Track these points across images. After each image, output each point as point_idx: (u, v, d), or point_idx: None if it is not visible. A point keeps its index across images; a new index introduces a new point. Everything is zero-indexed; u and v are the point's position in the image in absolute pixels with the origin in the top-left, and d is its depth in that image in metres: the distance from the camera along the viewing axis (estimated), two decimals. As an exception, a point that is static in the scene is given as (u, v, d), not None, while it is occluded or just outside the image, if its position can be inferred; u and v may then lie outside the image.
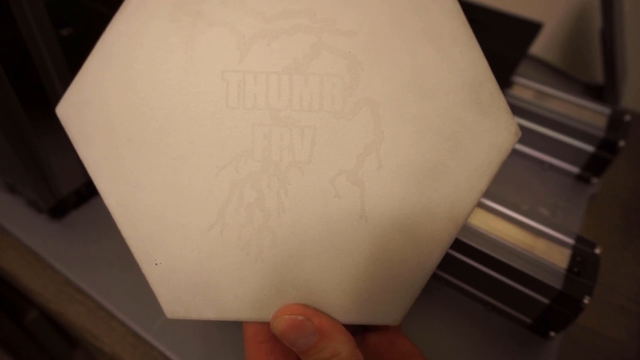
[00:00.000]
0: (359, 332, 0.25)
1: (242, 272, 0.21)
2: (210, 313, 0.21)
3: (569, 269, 0.32)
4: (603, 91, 0.58)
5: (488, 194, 0.36)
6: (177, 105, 0.20)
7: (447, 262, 0.36)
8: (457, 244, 0.34)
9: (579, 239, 0.34)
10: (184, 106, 0.20)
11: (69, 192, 0.40)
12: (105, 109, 0.20)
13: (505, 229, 0.34)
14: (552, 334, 0.34)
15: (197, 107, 0.20)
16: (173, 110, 0.20)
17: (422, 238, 0.21)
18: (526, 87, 0.49)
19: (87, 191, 0.42)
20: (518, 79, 0.49)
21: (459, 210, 0.20)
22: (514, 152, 0.49)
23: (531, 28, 0.55)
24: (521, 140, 0.48)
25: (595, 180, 0.46)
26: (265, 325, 0.23)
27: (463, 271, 0.35)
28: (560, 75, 0.64)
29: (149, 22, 0.20)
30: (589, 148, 0.44)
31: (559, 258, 0.33)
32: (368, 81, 0.20)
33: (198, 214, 0.21)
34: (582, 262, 0.32)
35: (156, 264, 0.21)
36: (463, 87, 0.20)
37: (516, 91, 0.48)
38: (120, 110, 0.20)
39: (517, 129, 0.20)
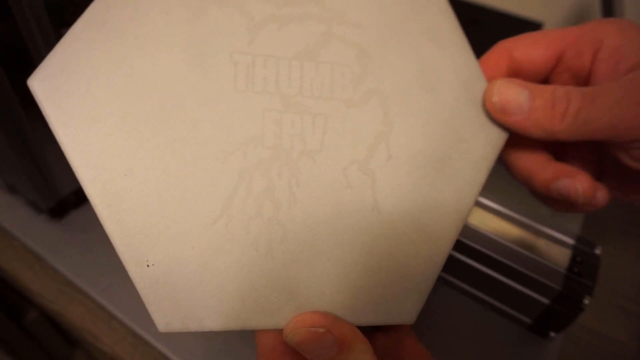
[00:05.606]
0: (367, 332, 0.24)
1: (251, 271, 0.18)
2: (212, 322, 0.18)
3: (569, 269, 0.32)
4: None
5: (488, 193, 0.36)
6: (180, 83, 0.18)
7: (447, 262, 0.35)
8: (457, 244, 0.34)
9: (579, 239, 0.34)
10: (188, 84, 0.18)
11: (69, 192, 0.40)
12: (93, 82, 0.17)
13: (505, 229, 0.34)
14: (552, 334, 0.34)
15: (203, 87, 0.18)
16: (175, 87, 0.18)
17: (434, 231, 0.20)
18: (526, 87, 0.49)
19: (87, 191, 0.42)
20: (518, 79, 0.49)
21: (465, 202, 0.20)
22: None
23: (531, 28, 0.55)
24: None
25: (595, 180, 0.46)
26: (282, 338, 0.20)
27: (463, 271, 0.35)
28: (560, 75, 0.64)
29: None
30: (589, 148, 0.44)
31: (559, 258, 0.33)
32: (376, 72, 0.20)
33: (201, 206, 0.18)
34: (582, 262, 0.32)
35: (148, 266, 0.18)
36: (460, 84, 0.21)
37: (516, 91, 0.48)
38: (112, 84, 0.17)
39: None
